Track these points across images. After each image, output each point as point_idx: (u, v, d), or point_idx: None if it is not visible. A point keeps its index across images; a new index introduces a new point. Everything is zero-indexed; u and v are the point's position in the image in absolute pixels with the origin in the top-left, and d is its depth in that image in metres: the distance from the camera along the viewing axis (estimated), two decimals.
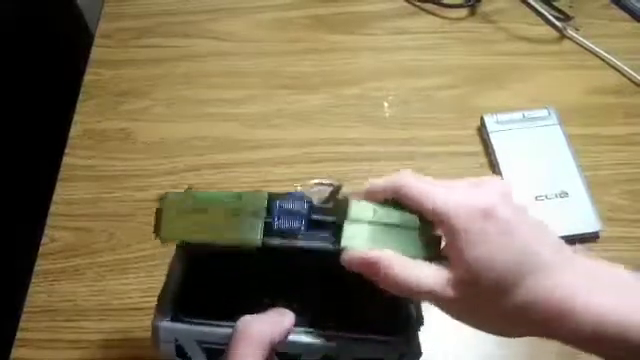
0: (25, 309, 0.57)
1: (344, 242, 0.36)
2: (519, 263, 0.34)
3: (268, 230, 0.36)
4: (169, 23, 0.81)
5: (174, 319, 0.39)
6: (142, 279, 0.58)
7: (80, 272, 0.59)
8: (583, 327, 0.33)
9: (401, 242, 0.36)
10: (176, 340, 0.39)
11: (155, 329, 0.39)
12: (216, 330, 0.38)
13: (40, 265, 0.60)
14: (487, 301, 0.35)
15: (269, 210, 0.36)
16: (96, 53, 0.78)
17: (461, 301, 0.35)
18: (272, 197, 0.37)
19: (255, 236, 0.36)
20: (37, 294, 0.58)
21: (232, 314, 0.37)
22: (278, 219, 0.36)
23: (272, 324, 0.36)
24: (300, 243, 0.36)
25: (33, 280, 0.59)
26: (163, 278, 0.42)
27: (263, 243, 0.36)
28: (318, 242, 0.36)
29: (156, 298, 0.41)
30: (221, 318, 0.38)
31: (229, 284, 0.40)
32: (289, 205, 0.36)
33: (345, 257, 0.36)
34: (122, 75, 0.76)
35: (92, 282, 0.59)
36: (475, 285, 0.34)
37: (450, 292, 0.35)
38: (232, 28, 0.80)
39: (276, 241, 0.36)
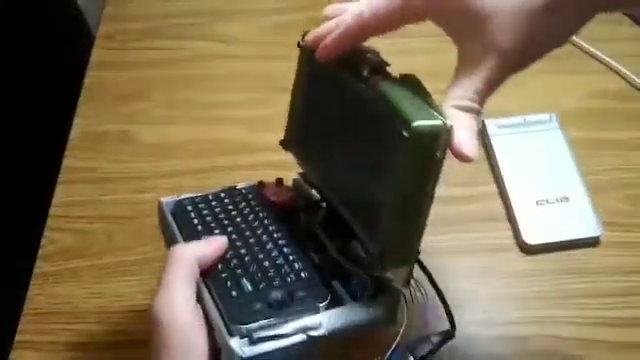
0: (24, 311, 0.57)
1: None
2: None
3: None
4: (170, 25, 0.81)
5: (175, 205, 0.48)
6: (142, 281, 0.58)
7: (79, 274, 0.59)
8: None
9: None
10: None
11: (159, 203, 0.48)
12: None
13: (39, 267, 0.60)
14: None
15: None
16: (97, 55, 0.78)
17: None
18: None
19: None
20: (36, 296, 0.58)
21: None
22: None
23: (200, 246, 0.42)
24: None
25: (32, 282, 0.59)
26: None
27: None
28: None
29: None
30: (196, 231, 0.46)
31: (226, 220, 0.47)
32: None
33: None
34: (123, 77, 0.76)
35: (91, 284, 0.58)
36: None
37: None
38: (233, 31, 0.80)
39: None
